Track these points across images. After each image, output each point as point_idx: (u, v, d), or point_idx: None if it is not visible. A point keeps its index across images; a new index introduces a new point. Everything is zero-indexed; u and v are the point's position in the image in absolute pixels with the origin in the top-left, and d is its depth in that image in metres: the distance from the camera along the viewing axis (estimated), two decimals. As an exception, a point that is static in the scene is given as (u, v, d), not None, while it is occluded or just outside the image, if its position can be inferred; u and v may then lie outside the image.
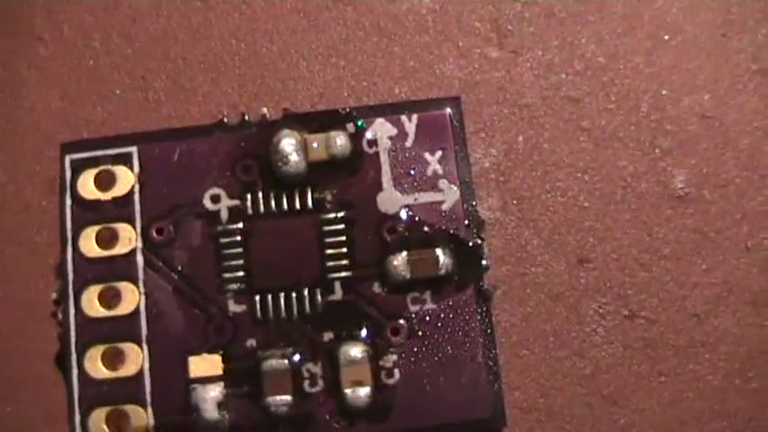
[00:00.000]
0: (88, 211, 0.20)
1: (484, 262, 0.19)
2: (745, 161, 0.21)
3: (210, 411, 0.19)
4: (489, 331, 0.19)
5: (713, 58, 0.21)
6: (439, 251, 0.19)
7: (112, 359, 0.19)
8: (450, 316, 0.19)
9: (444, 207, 0.20)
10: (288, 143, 0.20)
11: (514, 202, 0.21)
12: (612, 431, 0.20)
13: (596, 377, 0.20)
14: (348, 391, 0.19)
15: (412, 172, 0.20)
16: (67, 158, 0.20)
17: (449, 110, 0.20)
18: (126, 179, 0.20)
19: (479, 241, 0.19)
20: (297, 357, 0.19)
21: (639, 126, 0.21)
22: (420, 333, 0.19)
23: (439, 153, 0.20)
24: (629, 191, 0.21)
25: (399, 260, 0.19)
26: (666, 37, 0.21)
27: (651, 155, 0.21)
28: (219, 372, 0.19)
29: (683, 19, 0.21)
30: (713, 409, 0.20)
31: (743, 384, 0.20)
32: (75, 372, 0.19)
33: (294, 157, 0.19)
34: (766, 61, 0.21)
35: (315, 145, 0.20)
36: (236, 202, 0.20)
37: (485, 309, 0.19)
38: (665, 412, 0.20)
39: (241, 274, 0.19)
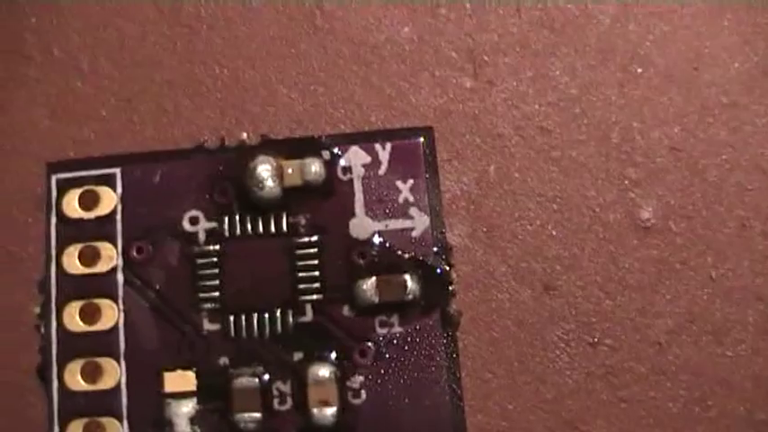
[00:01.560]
0: (72, 229, 0.21)
1: (450, 288, 0.20)
2: (712, 193, 0.22)
3: (183, 426, 0.20)
4: (454, 355, 0.20)
5: (684, 91, 0.22)
6: (407, 276, 0.20)
7: (91, 373, 0.21)
8: (417, 340, 0.20)
9: (414, 234, 0.21)
10: (264, 169, 0.21)
11: (484, 229, 0.22)
12: (573, 455, 0.21)
13: (558, 402, 0.21)
14: (315, 410, 0.20)
15: (384, 199, 0.21)
16: (53, 178, 0.21)
17: (421, 139, 0.21)
18: (109, 199, 0.21)
19: (447, 268, 0.20)
20: (267, 376, 0.20)
21: (609, 157, 0.22)
22: (387, 355, 0.20)
23: (410, 181, 0.21)
24: (596, 221, 0.22)
25: (368, 284, 0.20)
26: (639, 70, 0.22)
27: (620, 185, 0.22)
28: (192, 388, 0.20)
29: (655, 52, 0.22)
30: (673, 435, 0.21)
31: (702, 413, 0.21)
32: (55, 384, 0.21)
33: (269, 183, 0.21)
34: (736, 95, 0.22)
35: (290, 171, 0.21)
36: (214, 224, 0.21)
37: (450, 333, 0.20)
38: (626, 438, 0.21)
39: (216, 294, 0.21)
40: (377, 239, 0.21)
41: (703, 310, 0.21)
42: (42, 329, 0.21)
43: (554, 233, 0.22)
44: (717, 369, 0.21)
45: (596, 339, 0.21)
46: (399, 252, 0.21)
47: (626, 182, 0.22)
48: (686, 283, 0.21)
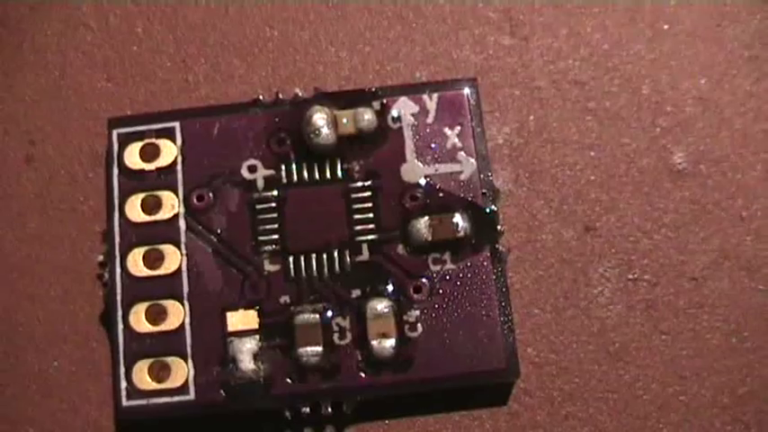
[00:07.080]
0: (134, 181, 0.23)
1: (498, 227, 0.23)
2: (739, 139, 0.24)
3: (247, 362, 0.22)
4: (504, 290, 0.22)
5: (709, 46, 0.25)
6: (458, 216, 0.22)
7: (156, 315, 0.22)
8: (469, 275, 0.22)
9: (462, 177, 0.23)
10: (319, 117, 0.23)
11: (526, 175, 0.24)
12: (618, 386, 0.23)
13: (603, 335, 0.23)
14: (374, 342, 0.22)
15: (433, 145, 0.23)
16: (114, 132, 0.23)
17: (467, 89, 0.23)
18: (169, 151, 0.23)
19: (494, 208, 0.23)
20: (327, 313, 0.22)
21: (641, 107, 0.24)
22: (440, 291, 0.22)
23: (457, 128, 0.23)
24: (631, 166, 0.24)
25: (422, 224, 0.22)
26: (666, 26, 0.25)
27: (652, 133, 0.24)
28: (255, 326, 0.22)
29: (681, 10, 0.25)
30: (711, 366, 0.23)
31: (738, 343, 0.23)
32: (120, 327, 0.22)
33: (325, 130, 0.23)
34: (757, 49, 0.25)
35: (344, 120, 0.23)
36: (272, 171, 0.23)
37: (500, 269, 0.22)
38: (667, 368, 0.23)
39: (276, 236, 0.23)
40: (426, 182, 0.23)
41: (735, 248, 0.24)
42: (106, 276, 0.23)
43: (592, 178, 0.24)
44: (750, 302, 0.23)
45: (636, 275, 0.23)
46: (449, 194, 0.23)
47: (657, 129, 0.24)
48: (718, 222, 0.24)
